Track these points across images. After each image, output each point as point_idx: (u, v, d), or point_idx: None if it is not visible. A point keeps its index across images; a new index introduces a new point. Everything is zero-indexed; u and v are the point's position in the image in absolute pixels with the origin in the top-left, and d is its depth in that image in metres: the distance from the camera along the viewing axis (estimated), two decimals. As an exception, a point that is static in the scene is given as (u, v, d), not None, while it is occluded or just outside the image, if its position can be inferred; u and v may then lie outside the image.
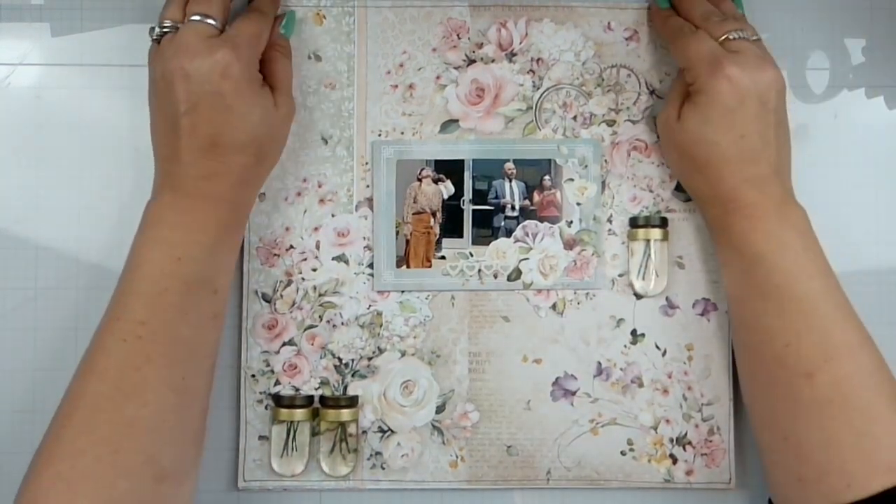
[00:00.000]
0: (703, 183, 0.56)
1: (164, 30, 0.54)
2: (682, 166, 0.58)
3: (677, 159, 0.58)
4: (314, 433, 0.59)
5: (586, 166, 0.60)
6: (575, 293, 0.60)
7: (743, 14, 0.59)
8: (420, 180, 0.60)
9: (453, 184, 0.60)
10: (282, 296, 0.59)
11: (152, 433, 0.50)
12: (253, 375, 0.59)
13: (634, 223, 0.60)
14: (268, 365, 0.59)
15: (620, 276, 0.60)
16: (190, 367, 0.52)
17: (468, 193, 0.60)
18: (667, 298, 0.60)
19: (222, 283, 0.54)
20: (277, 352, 0.59)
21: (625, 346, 0.60)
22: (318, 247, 0.59)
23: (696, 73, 0.55)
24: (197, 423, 0.53)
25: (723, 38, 0.55)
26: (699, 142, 0.55)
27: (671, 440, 0.59)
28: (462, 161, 0.60)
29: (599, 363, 0.59)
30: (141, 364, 0.50)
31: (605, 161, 0.60)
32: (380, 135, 0.60)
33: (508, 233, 0.60)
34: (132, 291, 0.51)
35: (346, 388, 0.59)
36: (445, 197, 0.60)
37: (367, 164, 0.60)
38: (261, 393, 0.59)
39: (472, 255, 0.60)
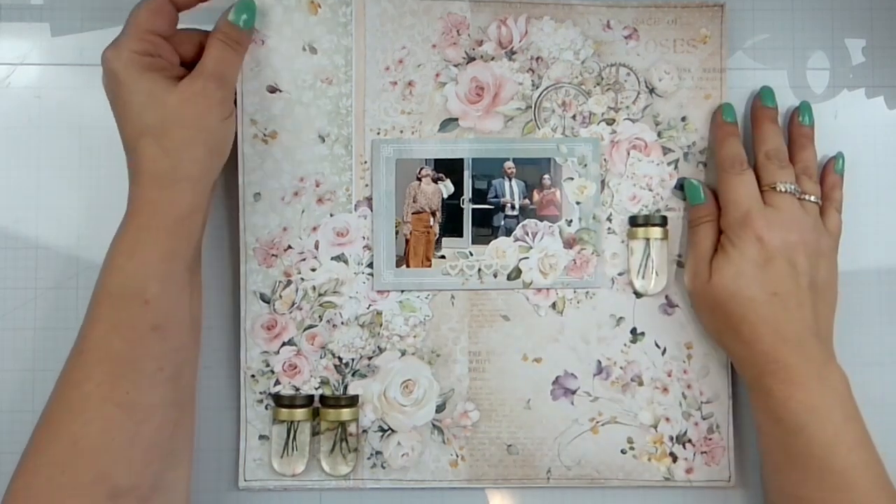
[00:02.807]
0: (739, 343, 0.55)
1: None
2: (717, 325, 0.56)
3: (710, 317, 0.57)
4: (314, 433, 0.59)
5: (586, 165, 0.60)
6: (575, 292, 0.60)
7: (840, 176, 0.59)
8: (419, 179, 0.60)
9: (453, 183, 0.60)
10: (281, 296, 0.59)
11: (100, 451, 0.49)
12: (253, 376, 0.59)
13: (634, 222, 0.60)
14: (267, 365, 0.59)
15: (620, 274, 0.60)
16: (132, 381, 0.50)
17: (468, 192, 0.60)
18: (666, 297, 0.60)
19: (154, 293, 0.50)
20: (277, 352, 0.59)
21: (625, 344, 0.60)
22: (316, 247, 0.59)
23: (728, 221, 0.55)
24: (156, 437, 0.50)
25: (769, 187, 0.55)
26: (733, 297, 0.54)
27: (671, 438, 0.59)
28: (461, 160, 0.60)
29: (599, 362, 0.59)
30: (81, 380, 0.49)
31: (605, 160, 0.60)
32: (379, 133, 0.60)
33: (508, 232, 0.60)
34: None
35: (346, 387, 0.59)
36: (445, 196, 0.60)
37: (366, 163, 0.60)
38: (261, 393, 0.59)
39: (471, 255, 0.60)
